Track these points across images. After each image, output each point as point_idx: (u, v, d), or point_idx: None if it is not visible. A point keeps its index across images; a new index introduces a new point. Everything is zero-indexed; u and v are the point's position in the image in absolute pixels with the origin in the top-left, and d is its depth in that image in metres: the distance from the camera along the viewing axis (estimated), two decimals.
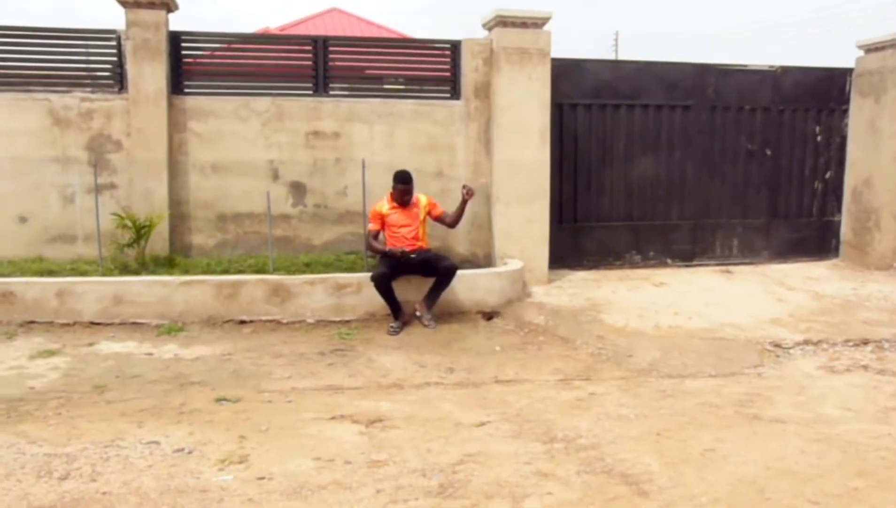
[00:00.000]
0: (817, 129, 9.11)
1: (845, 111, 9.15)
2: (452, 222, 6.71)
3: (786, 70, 8.89)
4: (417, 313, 6.33)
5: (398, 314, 6.27)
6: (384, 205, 6.53)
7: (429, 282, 6.38)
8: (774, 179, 9.00)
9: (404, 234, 6.47)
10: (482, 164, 7.74)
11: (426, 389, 4.92)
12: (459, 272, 6.46)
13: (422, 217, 6.57)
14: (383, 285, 6.17)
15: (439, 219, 6.67)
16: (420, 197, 6.64)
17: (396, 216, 6.49)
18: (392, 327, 6.19)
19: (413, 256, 6.36)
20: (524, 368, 5.41)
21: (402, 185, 6.45)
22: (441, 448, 3.87)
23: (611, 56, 33.39)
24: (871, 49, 8.90)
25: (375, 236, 6.52)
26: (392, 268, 6.28)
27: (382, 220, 6.50)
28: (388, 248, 6.42)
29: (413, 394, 4.81)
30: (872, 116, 8.85)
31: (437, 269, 6.33)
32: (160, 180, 7.18)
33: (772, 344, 5.96)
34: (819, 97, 9.05)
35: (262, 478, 3.49)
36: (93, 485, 3.39)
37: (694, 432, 4.16)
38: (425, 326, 6.24)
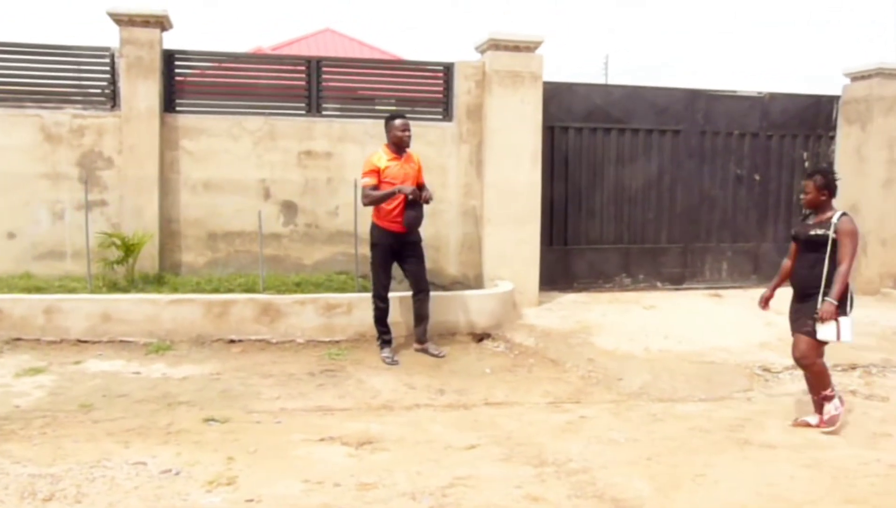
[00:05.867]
0: (805, 155, 9.20)
1: (832, 138, 9.25)
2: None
3: (774, 96, 9.00)
4: (417, 349, 6.22)
5: (391, 340, 6.12)
6: (381, 157, 5.92)
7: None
8: (763, 204, 9.08)
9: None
10: (473, 185, 7.76)
11: (416, 411, 4.90)
12: (450, 294, 6.46)
13: (417, 176, 6.08)
14: (383, 305, 6.02)
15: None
16: (413, 154, 6.16)
17: (395, 169, 5.89)
18: (386, 357, 5.99)
19: (425, 196, 5.88)
20: (514, 390, 5.39)
21: (403, 120, 5.95)
22: (431, 471, 3.85)
23: (601, 80, 33.68)
24: (857, 77, 9.03)
25: (374, 189, 5.87)
26: (388, 272, 6.03)
27: (378, 175, 5.87)
28: (394, 188, 5.81)
29: (403, 416, 4.78)
30: (859, 143, 8.96)
31: (418, 285, 6.13)
32: (151, 198, 7.15)
33: (761, 368, 5.98)
34: (807, 124, 9.16)
35: (251, 501, 3.45)
36: (78, 507, 3.34)
37: (685, 456, 4.15)
38: (434, 355, 6.12)
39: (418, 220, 5.97)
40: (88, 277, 6.60)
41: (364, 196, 5.96)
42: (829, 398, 4.63)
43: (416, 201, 5.89)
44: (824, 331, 4.49)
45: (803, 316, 4.64)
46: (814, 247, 4.63)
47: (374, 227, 6.04)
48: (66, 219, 7.15)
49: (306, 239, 7.61)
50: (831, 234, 4.54)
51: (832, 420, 4.60)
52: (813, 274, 4.60)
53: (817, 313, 4.47)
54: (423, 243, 6.24)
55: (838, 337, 4.49)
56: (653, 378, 5.70)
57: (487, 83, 7.63)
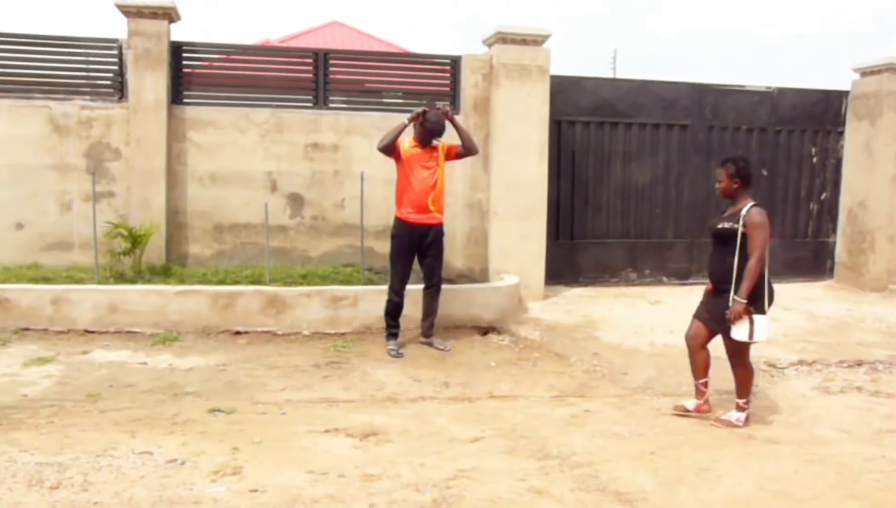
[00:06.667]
0: (813, 150, 9.17)
1: (841, 133, 9.21)
2: (468, 147, 6.16)
3: (783, 91, 8.96)
4: (423, 342, 6.20)
5: (398, 333, 6.12)
6: (405, 141, 6.02)
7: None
8: (770, 200, 9.00)
9: (424, 177, 5.95)
10: (480, 179, 7.76)
11: (421, 403, 4.91)
12: (455, 287, 6.46)
13: (442, 160, 6.07)
14: (397, 299, 6.00)
15: (458, 155, 6.18)
16: (443, 143, 6.15)
17: (417, 154, 5.97)
18: (391, 350, 5.99)
19: (439, 105, 6.00)
20: (519, 384, 5.40)
21: (433, 114, 5.98)
22: (435, 463, 3.86)
23: (609, 75, 33.52)
24: (866, 73, 8.98)
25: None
26: (405, 265, 6.03)
27: (399, 152, 5.99)
28: (406, 118, 5.91)
29: (408, 408, 4.79)
30: (868, 138, 8.91)
31: (430, 279, 6.15)
32: (158, 189, 7.18)
33: (766, 364, 5.95)
34: (815, 119, 9.11)
35: (255, 490, 3.48)
36: (84, 495, 3.37)
37: (688, 451, 4.16)
38: (439, 349, 6.11)
39: (440, 121, 5.94)
40: (96, 267, 6.63)
41: (382, 141, 5.98)
42: (742, 409, 4.57)
43: (429, 111, 5.95)
44: (737, 331, 4.35)
45: (717, 314, 4.53)
46: (722, 241, 4.48)
47: (395, 218, 6.09)
48: (74, 210, 7.19)
49: (312, 231, 7.63)
50: (739, 227, 4.36)
51: (728, 422, 4.55)
52: (722, 269, 4.46)
53: (727, 314, 4.35)
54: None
55: (751, 336, 4.34)
56: (658, 373, 5.70)
57: (495, 77, 7.62)
